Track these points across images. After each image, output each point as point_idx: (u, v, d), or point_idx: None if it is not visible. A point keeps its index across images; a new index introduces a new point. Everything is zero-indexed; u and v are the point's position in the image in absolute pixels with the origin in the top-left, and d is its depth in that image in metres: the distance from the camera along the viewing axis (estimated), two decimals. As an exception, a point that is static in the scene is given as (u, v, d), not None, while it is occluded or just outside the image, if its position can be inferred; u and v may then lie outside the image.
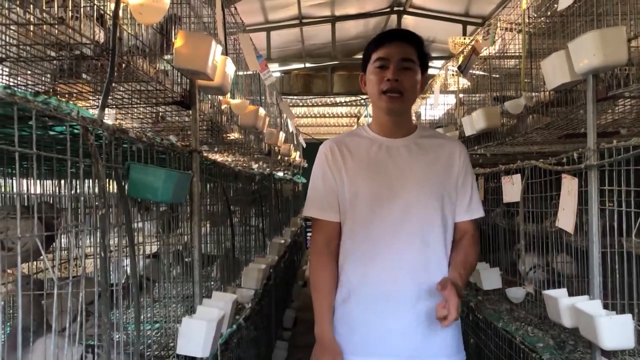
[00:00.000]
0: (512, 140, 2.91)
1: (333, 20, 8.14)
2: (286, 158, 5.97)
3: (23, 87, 1.73)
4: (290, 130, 6.73)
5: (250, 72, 3.73)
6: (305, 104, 10.43)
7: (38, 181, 1.23)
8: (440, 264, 1.78)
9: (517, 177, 2.60)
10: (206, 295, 2.15)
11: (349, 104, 10.54)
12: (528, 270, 2.69)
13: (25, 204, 1.85)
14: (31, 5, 1.34)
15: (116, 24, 1.42)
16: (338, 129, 12.72)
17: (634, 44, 2.01)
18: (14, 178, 2.07)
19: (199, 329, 1.75)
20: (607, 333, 1.67)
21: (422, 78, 1.85)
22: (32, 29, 1.36)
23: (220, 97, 2.74)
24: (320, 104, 10.54)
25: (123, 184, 1.52)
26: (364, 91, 1.90)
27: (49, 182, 2.20)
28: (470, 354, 2.16)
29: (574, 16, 2.19)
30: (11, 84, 1.69)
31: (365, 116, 10.87)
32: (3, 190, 2.09)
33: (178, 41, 1.84)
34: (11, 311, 2.10)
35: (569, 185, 1.99)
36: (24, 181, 2.00)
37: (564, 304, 1.89)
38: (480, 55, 3.36)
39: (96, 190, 1.38)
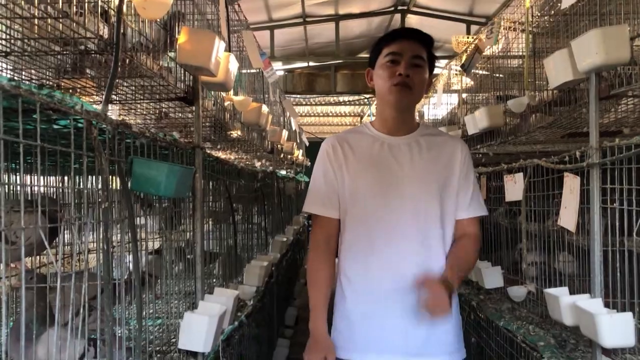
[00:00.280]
0: (515, 139, 2.91)
1: (337, 19, 8.15)
2: (289, 156, 5.97)
3: (27, 82, 1.74)
4: (293, 129, 6.74)
5: (254, 70, 3.73)
6: (308, 103, 10.44)
7: (42, 176, 1.23)
8: (440, 262, 1.78)
9: (519, 176, 2.60)
10: (208, 292, 2.16)
11: (352, 103, 10.54)
12: (526, 265, 2.69)
13: (29, 199, 1.86)
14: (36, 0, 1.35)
15: (120, 19, 1.43)
16: (341, 128, 12.71)
17: (638, 42, 2.01)
18: (17, 174, 2.08)
19: (201, 324, 1.76)
20: (607, 331, 1.67)
21: (429, 78, 1.86)
22: (36, 22, 1.37)
23: (224, 94, 2.75)
24: (323, 102, 10.55)
25: (126, 178, 1.53)
26: (369, 86, 1.89)
27: (52, 178, 2.21)
28: (472, 352, 2.16)
29: (578, 15, 2.20)
30: (15, 78, 1.70)
31: (369, 115, 10.87)
32: (7, 184, 2.10)
33: (181, 37, 1.85)
34: (14, 306, 2.12)
35: (571, 184, 1.99)
36: (28, 177, 2.01)
37: (565, 302, 1.89)
38: (484, 54, 3.36)
39: (99, 184, 1.39)
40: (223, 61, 2.09)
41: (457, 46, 4.73)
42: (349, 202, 1.81)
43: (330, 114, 11.96)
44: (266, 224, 4.19)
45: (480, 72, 3.71)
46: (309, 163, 8.59)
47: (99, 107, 1.38)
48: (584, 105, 2.06)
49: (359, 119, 12.21)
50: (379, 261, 1.76)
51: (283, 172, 6.11)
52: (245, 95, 3.13)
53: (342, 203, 1.84)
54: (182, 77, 2.09)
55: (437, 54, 8.06)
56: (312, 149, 5.64)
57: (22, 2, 1.34)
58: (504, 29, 3.18)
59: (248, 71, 3.56)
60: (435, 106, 4.93)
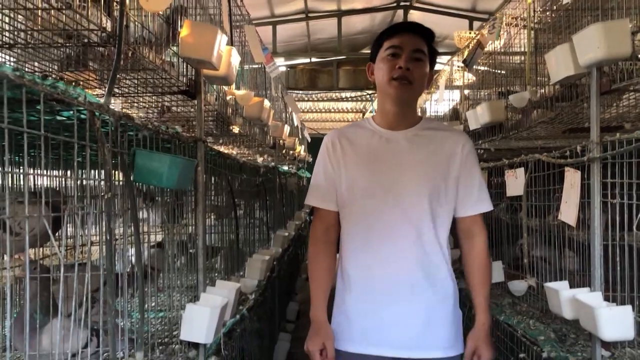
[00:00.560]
0: (517, 134, 2.91)
1: (339, 14, 8.14)
2: (291, 152, 5.98)
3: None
4: (295, 124, 6.74)
5: (256, 65, 3.73)
6: (310, 99, 10.44)
7: (44, 165, 1.24)
8: (435, 256, 1.78)
9: (520, 171, 2.61)
10: (210, 285, 2.17)
11: (354, 99, 10.54)
12: (527, 259, 2.70)
13: (33, 190, 1.88)
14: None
15: (123, 11, 1.44)
16: (343, 124, 12.61)
17: (639, 37, 2.01)
18: (21, 167, 2.09)
19: (203, 316, 1.77)
20: (607, 324, 1.68)
21: (430, 73, 1.86)
22: (40, 14, 1.38)
23: (226, 88, 2.76)
24: (325, 98, 10.54)
25: (128, 169, 1.54)
26: (370, 80, 1.89)
27: (55, 172, 2.22)
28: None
29: (579, 11, 2.20)
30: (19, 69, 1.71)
31: (371, 111, 10.86)
32: (10, 172, 2.11)
33: (184, 30, 1.85)
34: (17, 298, 2.13)
35: (572, 179, 2.00)
36: (31, 170, 2.02)
37: (565, 296, 1.90)
38: (486, 50, 3.36)
39: (102, 175, 1.40)
40: (225, 55, 2.10)
41: (460, 42, 4.72)
42: (347, 197, 1.83)
43: (333, 110, 11.95)
44: (268, 218, 4.20)
45: (482, 68, 3.71)
46: (311, 159, 8.59)
47: (102, 100, 1.39)
48: (585, 100, 2.07)
49: (361, 115, 12.19)
50: (376, 255, 1.77)
51: (285, 168, 6.12)
52: (247, 90, 3.14)
53: (339, 198, 1.85)
54: (185, 71, 2.10)
55: (440, 49, 8.05)
56: (314, 145, 5.65)
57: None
58: (506, 24, 3.18)
59: (250, 66, 3.56)
60: (437, 102, 4.93)
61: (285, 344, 4.57)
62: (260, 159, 4.67)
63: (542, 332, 2.27)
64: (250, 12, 3.18)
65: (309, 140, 9.03)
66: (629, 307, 1.70)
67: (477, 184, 1.84)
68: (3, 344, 1.95)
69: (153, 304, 2.19)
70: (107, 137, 1.39)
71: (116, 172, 1.55)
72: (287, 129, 5.00)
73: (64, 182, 2.19)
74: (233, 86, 2.83)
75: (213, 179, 2.79)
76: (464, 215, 1.85)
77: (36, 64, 1.75)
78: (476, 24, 7.63)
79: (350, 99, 10.60)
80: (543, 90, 2.61)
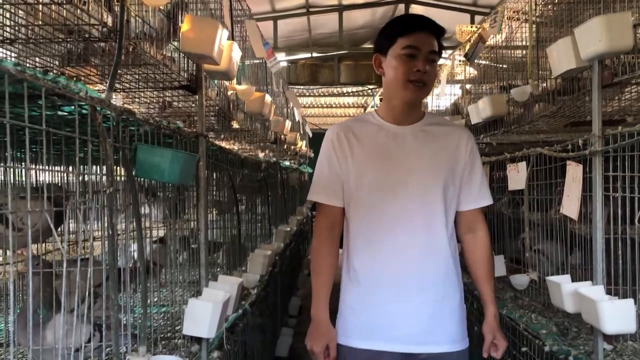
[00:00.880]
0: (518, 128, 2.90)
1: (340, 9, 8.11)
2: (292, 147, 5.98)
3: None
4: (297, 120, 6.73)
5: (257, 61, 3.73)
6: (311, 94, 10.42)
7: (46, 160, 1.24)
8: (444, 251, 1.79)
9: (522, 165, 2.61)
10: (212, 280, 2.18)
11: (355, 94, 10.51)
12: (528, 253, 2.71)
13: (35, 186, 1.88)
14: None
15: (124, 6, 1.44)
16: (344, 119, 12.63)
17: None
18: (23, 162, 2.10)
19: (205, 310, 1.78)
20: (609, 317, 1.68)
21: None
22: (40, 9, 1.38)
23: (227, 83, 2.75)
24: (326, 94, 10.51)
25: (130, 164, 1.54)
26: (378, 72, 1.86)
27: (57, 167, 2.23)
28: (475, 341, 2.18)
29: (581, 4, 2.19)
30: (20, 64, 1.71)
31: (372, 106, 10.84)
32: (12, 167, 2.11)
33: (185, 25, 1.85)
34: (20, 293, 2.14)
35: (574, 172, 2.00)
36: (33, 165, 2.02)
37: (567, 290, 1.90)
38: (487, 44, 3.35)
39: (104, 170, 1.40)
40: (226, 49, 2.10)
41: (461, 35, 4.71)
42: (354, 192, 1.82)
43: (334, 105, 11.92)
44: (270, 214, 4.21)
45: (484, 62, 3.70)
46: (313, 154, 8.59)
47: (103, 95, 1.39)
48: (587, 93, 2.06)
49: (362, 109, 12.17)
50: (384, 251, 1.77)
51: (287, 163, 6.12)
52: (249, 85, 3.13)
53: (346, 193, 1.84)
54: (186, 66, 2.10)
55: (444, 44, 8.02)
56: (316, 139, 5.64)
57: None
58: (507, 18, 3.17)
59: (251, 61, 3.55)
60: (439, 97, 4.92)
61: (288, 339, 4.59)
62: (261, 154, 4.67)
63: (544, 326, 2.28)
64: (251, 7, 3.17)
65: (311, 135, 9.04)
66: (631, 301, 1.70)
67: (479, 179, 1.86)
68: (7, 339, 1.96)
69: (155, 299, 2.20)
70: (109, 132, 1.39)
71: (118, 167, 1.56)
72: (288, 124, 4.99)
73: (65, 178, 2.20)
74: (234, 81, 2.83)
75: (215, 174, 2.80)
76: (467, 209, 1.86)
77: (37, 59, 1.74)
78: (477, 18, 7.60)
79: (351, 93, 10.58)
80: (545, 84, 2.60)
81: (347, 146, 1.83)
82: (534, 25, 2.88)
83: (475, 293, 3.02)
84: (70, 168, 2.17)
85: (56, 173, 2.13)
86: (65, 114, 1.37)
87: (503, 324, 2.66)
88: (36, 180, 2.05)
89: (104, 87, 1.93)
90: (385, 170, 1.79)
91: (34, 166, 1.72)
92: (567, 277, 2.01)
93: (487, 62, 3.68)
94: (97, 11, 1.49)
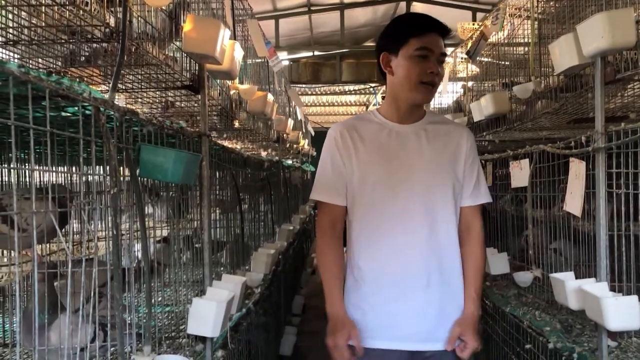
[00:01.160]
0: (521, 125, 2.90)
1: (342, 7, 8.11)
2: (295, 146, 5.98)
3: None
4: (299, 118, 6.74)
5: (259, 60, 3.73)
6: (313, 93, 10.41)
7: (50, 161, 1.25)
8: (449, 249, 1.80)
9: (525, 162, 2.61)
10: (216, 279, 2.18)
11: (357, 92, 10.51)
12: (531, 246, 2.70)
13: (39, 187, 1.89)
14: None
15: (126, 7, 1.44)
16: (346, 118, 12.63)
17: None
18: (27, 163, 2.10)
19: (209, 310, 1.78)
20: (613, 314, 1.67)
21: None
22: (43, 10, 1.38)
23: (229, 83, 2.76)
24: (328, 92, 10.52)
25: (134, 165, 1.54)
26: (385, 70, 1.84)
27: (61, 168, 2.24)
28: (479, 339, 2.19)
29: (583, 0, 2.18)
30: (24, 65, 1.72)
31: (374, 105, 10.84)
32: (16, 168, 2.12)
33: (187, 25, 1.86)
34: (25, 294, 2.15)
35: (577, 169, 1.99)
36: (37, 166, 2.03)
37: (571, 287, 1.90)
38: (489, 41, 3.34)
39: (108, 171, 1.41)
40: (228, 49, 2.10)
41: (463, 33, 4.70)
42: (358, 191, 1.82)
43: (336, 104, 11.92)
44: (273, 212, 4.21)
45: (486, 59, 3.69)
46: (315, 153, 8.60)
47: (106, 95, 1.40)
48: (589, 90, 2.06)
49: (364, 108, 12.17)
50: (389, 249, 1.77)
51: (289, 162, 6.12)
52: (251, 85, 3.14)
53: (350, 191, 1.85)
54: (188, 66, 2.10)
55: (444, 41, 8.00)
56: (318, 138, 5.65)
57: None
58: (509, 15, 3.17)
59: (253, 61, 3.56)
60: (441, 94, 4.92)
61: (292, 338, 4.59)
62: (264, 153, 4.69)
63: (548, 323, 2.28)
64: (252, 6, 3.17)
65: (313, 133, 9.04)
66: (635, 297, 1.70)
67: (477, 177, 1.87)
68: (13, 340, 1.97)
69: (160, 299, 2.21)
70: (112, 132, 1.39)
71: (121, 168, 1.56)
72: (290, 122, 5.00)
73: (69, 178, 2.20)
74: (236, 80, 2.83)
75: (218, 173, 2.80)
76: (464, 205, 1.87)
77: (40, 60, 1.75)
78: (479, 15, 7.59)
79: (353, 92, 10.58)
80: (547, 81, 2.60)
81: (351, 145, 1.83)
82: (536, 22, 2.87)
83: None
84: (74, 169, 2.18)
85: (60, 174, 2.13)
86: (69, 114, 1.37)
87: (507, 321, 2.66)
88: (40, 181, 2.06)
89: (107, 88, 1.94)
90: (388, 169, 1.79)
91: (37, 167, 1.72)
92: (571, 274, 2.01)
93: (489, 60, 3.67)
94: (99, 12, 1.50)
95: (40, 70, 1.77)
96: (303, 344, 4.58)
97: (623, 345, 1.99)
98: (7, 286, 2.16)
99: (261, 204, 3.98)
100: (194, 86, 2.08)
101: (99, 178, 1.61)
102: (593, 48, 1.78)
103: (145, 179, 1.80)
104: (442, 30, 1.80)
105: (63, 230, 1.71)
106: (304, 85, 9.30)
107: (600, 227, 1.86)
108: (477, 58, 3.50)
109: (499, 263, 2.92)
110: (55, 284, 1.65)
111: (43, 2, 1.38)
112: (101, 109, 1.27)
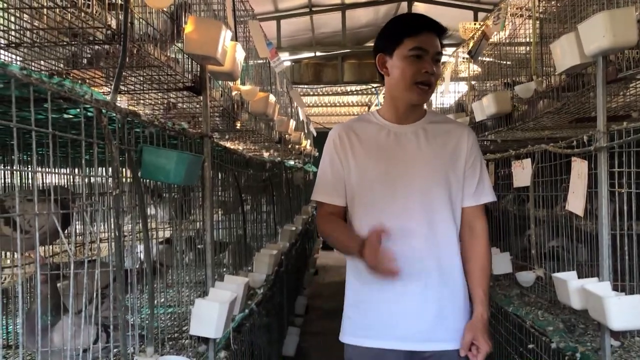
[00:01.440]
0: (523, 124, 2.90)
1: (343, 8, 8.10)
2: (297, 146, 5.98)
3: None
4: (301, 119, 6.74)
5: (261, 61, 3.73)
6: (315, 93, 10.43)
7: (52, 163, 1.25)
8: (448, 249, 1.79)
9: (527, 162, 2.60)
10: (218, 280, 2.19)
11: (359, 92, 10.52)
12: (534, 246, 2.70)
13: (42, 188, 1.89)
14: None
15: (128, 8, 1.45)
16: (348, 118, 12.61)
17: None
18: (30, 165, 2.11)
19: (212, 311, 1.78)
20: (615, 313, 1.67)
21: None
22: (45, 12, 1.39)
23: (231, 84, 2.76)
24: (330, 92, 10.53)
25: (136, 166, 1.55)
26: (381, 72, 1.84)
27: (63, 169, 2.24)
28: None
29: (585, -1, 2.19)
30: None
31: (376, 105, 10.84)
32: (18, 170, 2.13)
33: (188, 27, 1.86)
34: (28, 295, 2.15)
35: (579, 168, 1.99)
36: (39, 168, 2.04)
37: (573, 286, 1.90)
38: (491, 40, 3.34)
39: (110, 172, 1.41)
40: (230, 50, 2.11)
41: (464, 33, 4.70)
42: (356, 191, 1.83)
43: (338, 104, 11.94)
44: (275, 213, 4.21)
45: (488, 59, 3.69)
46: (317, 153, 8.60)
47: (108, 97, 1.40)
48: (591, 89, 2.06)
49: (366, 108, 12.18)
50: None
51: (291, 162, 6.13)
52: (253, 86, 3.14)
53: (349, 192, 1.85)
54: (190, 68, 2.11)
55: (444, 41, 7.99)
56: (320, 139, 5.65)
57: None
58: (510, 15, 3.17)
59: (255, 62, 3.56)
60: (443, 94, 4.92)
61: (294, 338, 4.59)
62: (266, 154, 4.68)
63: (551, 323, 2.28)
64: (254, 7, 3.17)
65: (315, 134, 9.04)
66: (638, 297, 1.70)
67: (480, 175, 1.85)
68: (16, 341, 1.97)
69: (162, 300, 2.21)
70: (114, 134, 1.40)
71: (124, 169, 1.57)
72: (292, 123, 5.00)
73: (72, 180, 2.21)
74: (238, 82, 2.84)
75: (220, 174, 2.80)
76: (467, 205, 1.85)
77: (42, 62, 1.76)
78: (481, 14, 7.58)
79: (355, 92, 10.58)
80: (549, 81, 2.60)
81: (348, 146, 1.84)
82: (538, 22, 2.87)
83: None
84: (77, 170, 2.18)
85: (62, 175, 2.14)
86: (71, 116, 1.37)
87: (510, 321, 2.66)
88: (43, 182, 2.07)
89: (109, 90, 1.94)
90: (386, 169, 1.79)
91: (40, 169, 1.73)
92: (574, 273, 2.01)
93: (491, 59, 3.67)
94: (101, 14, 1.50)
95: (42, 72, 1.77)
96: (306, 344, 4.59)
97: (626, 344, 1.99)
98: (10, 288, 2.17)
99: (263, 204, 3.98)
100: (195, 87, 2.08)
101: (101, 180, 1.62)
102: (595, 47, 1.78)
103: (147, 181, 1.81)
104: (438, 29, 1.79)
105: (65, 231, 1.72)
106: (305, 86, 9.31)
107: (603, 227, 1.86)
108: (479, 58, 3.50)
109: (501, 263, 2.91)
110: (58, 285, 1.66)
111: (45, 4, 1.39)
112: (103, 110, 1.27)
